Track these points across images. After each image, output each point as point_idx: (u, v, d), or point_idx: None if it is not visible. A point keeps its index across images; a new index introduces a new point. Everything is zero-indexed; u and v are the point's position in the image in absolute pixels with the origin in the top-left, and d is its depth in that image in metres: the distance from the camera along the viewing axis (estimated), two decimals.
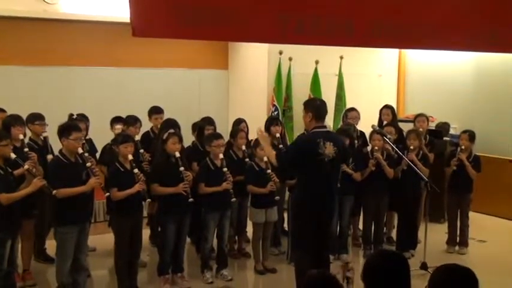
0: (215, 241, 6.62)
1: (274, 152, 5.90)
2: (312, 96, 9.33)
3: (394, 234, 7.72)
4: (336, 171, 5.79)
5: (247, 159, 6.82)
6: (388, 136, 7.05)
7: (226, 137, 6.92)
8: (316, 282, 3.01)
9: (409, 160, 6.88)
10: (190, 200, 6.08)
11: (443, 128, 9.00)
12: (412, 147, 7.10)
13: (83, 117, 7.05)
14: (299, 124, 7.82)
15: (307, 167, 5.47)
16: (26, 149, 5.99)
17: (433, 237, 6.88)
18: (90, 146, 6.88)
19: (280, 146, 6.95)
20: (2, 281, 5.35)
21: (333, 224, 6.94)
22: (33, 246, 6.65)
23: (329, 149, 5.40)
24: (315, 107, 5.61)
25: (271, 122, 7.46)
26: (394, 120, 8.13)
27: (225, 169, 6.32)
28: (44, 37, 9.19)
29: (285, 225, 7.48)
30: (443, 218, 8.30)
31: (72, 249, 5.51)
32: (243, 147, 6.85)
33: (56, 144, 6.04)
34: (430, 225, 6.87)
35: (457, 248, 7.59)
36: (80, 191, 5.48)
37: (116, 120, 7.14)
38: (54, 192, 5.27)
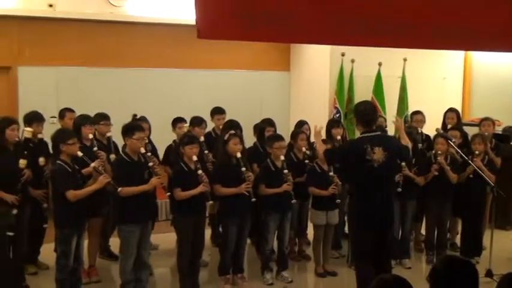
0: (275, 243, 6.63)
1: (322, 149, 5.88)
2: (374, 99, 9.25)
3: (458, 240, 7.55)
4: (390, 176, 5.64)
5: (307, 161, 6.81)
6: (453, 140, 6.90)
7: (287, 139, 6.92)
8: (390, 286, 2.93)
9: (476, 166, 6.72)
10: (253, 199, 6.11)
11: (510, 132, 8.74)
12: (477, 152, 6.92)
13: (144, 119, 7.17)
14: None
15: (356, 174, 5.40)
16: (95, 148, 6.15)
17: (498, 244, 6.70)
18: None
19: None
20: (69, 276, 5.51)
21: (395, 229, 6.87)
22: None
23: (378, 154, 5.28)
24: (359, 112, 5.51)
25: (332, 124, 7.41)
26: (458, 124, 7.96)
27: (285, 171, 6.31)
28: (110, 39, 9.43)
29: (346, 228, 7.42)
30: (510, 224, 8.07)
31: (135, 247, 5.64)
32: (304, 149, 6.84)
33: (121, 145, 6.19)
34: (496, 231, 6.69)
35: None
36: (142, 189, 5.59)
37: (178, 120, 7.23)
38: (119, 189, 5.41)
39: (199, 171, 5.87)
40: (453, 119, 8.01)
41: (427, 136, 7.77)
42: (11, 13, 8.78)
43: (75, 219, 5.52)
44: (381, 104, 9.30)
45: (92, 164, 5.59)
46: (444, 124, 8.04)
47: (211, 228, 7.62)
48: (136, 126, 5.83)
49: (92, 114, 6.59)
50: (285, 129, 8.14)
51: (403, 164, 6.62)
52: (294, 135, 6.99)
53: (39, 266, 6.65)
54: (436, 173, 6.90)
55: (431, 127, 7.45)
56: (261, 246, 6.64)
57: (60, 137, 5.53)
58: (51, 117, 7.96)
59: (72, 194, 5.36)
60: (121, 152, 5.94)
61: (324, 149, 5.84)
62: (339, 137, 7.09)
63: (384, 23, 4.88)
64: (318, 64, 9.93)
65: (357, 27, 4.82)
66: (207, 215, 6.53)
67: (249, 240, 6.91)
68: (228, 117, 7.42)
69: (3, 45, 9.01)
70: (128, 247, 5.64)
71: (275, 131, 7.16)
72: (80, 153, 5.57)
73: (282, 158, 6.34)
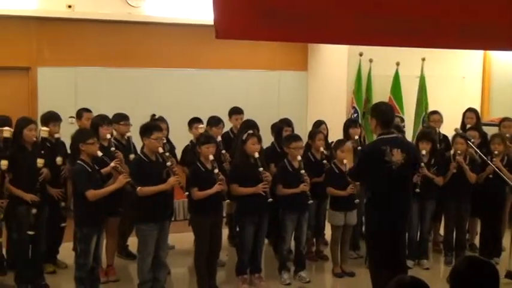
0: (293, 243, 6.62)
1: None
2: (392, 99, 9.22)
3: (477, 241, 7.48)
4: (408, 177, 5.57)
5: (324, 161, 6.79)
6: (472, 140, 6.84)
7: (305, 139, 6.90)
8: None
9: (495, 167, 6.65)
10: (270, 200, 6.10)
11: None
12: (496, 152, 6.86)
13: (162, 119, 7.19)
14: None
15: (375, 176, 5.34)
16: (113, 148, 6.19)
17: None
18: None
19: (359, 148, 6.86)
20: (87, 275, 5.54)
21: (413, 229, 6.84)
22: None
23: (397, 155, 5.22)
24: (380, 113, 5.44)
25: (349, 124, 7.41)
26: (478, 124, 7.88)
27: (302, 171, 6.30)
28: (128, 39, 9.49)
29: (364, 228, 7.39)
30: None
31: (153, 247, 5.66)
32: (321, 149, 6.82)
33: (139, 144, 6.21)
34: None
35: None
36: (160, 189, 5.62)
37: (194, 121, 7.24)
38: (138, 189, 5.43)
39: (216, 171, 5.87)
40: (472, 119, 7.94)
41: (445, 136, 7.72)
42: (30, 14, 8.86)
43: (95, 219, 5.54)
44: (398, 104, 9.26)
45: (112, 164, 5.63)
46: (463, 124, 7.97)
47: (229, 228, 7.62)
48: (154, 126, 5.86)
49: (110, 115, 6.61)
50: (302, 129, 8.13)
51: (422, 163, 6.58)
52: (312, 135, 6.98)
53: (58, 265, 6.70)
54: (455, 171, 6.84)
55: (450, 127, 7.38)
56: (279, 246, 6.64)
57: (80, 136, 5.57)
58: (70, 117, 8.00)
59: (92, 194, 5.39)
60: (139, 152, 5.97)
61: (348, 170, 5.92)
62: (356, 137, 7.07)
63: (403, 22, 4.86)
64: (335, 64, 9.90)
65: (375, 27, 4.80)
66: (224, 214, 6.54)
67: (266, 240, 6.90)
68: (245, 117, 7.43)
69: (22, 46, 9.12)
70: (146, 246, 5.66)
71: (292, 130, 7.15)
72: (99, 153, 5.61)
73: (299, 158, 6.32)
